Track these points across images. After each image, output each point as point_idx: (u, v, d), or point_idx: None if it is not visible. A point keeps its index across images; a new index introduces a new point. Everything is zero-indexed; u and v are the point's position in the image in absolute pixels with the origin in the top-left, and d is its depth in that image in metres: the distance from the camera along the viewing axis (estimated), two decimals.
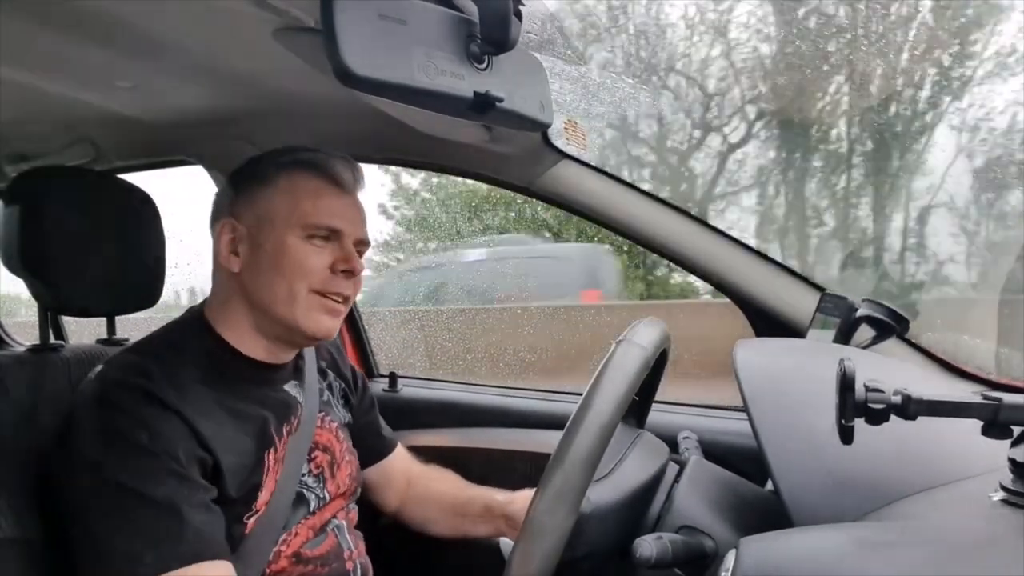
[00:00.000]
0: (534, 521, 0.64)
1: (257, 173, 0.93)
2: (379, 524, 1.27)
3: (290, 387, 0.97)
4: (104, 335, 1.15)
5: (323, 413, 1.01)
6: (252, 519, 0.86)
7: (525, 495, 1.05)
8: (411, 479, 1.20)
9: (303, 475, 0.94)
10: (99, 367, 0.88)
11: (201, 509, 0.78)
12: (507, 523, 1.05)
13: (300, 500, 0.94)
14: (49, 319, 1.05)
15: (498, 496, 1.08)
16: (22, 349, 1.06)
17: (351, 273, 0.91)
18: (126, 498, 0.76)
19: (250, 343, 0.93)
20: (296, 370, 1.00)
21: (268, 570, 0.89)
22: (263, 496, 0.87)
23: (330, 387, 1.08)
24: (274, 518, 0.89)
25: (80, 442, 0.80)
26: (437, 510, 1.15)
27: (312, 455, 0.97)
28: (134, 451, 0.77)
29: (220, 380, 0.89)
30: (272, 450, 0.90)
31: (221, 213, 0.94)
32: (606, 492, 0.85)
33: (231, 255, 0.91)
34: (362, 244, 0.95)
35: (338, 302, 0.92)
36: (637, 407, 1.08)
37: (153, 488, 0.76)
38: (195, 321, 0.94)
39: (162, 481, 0.77)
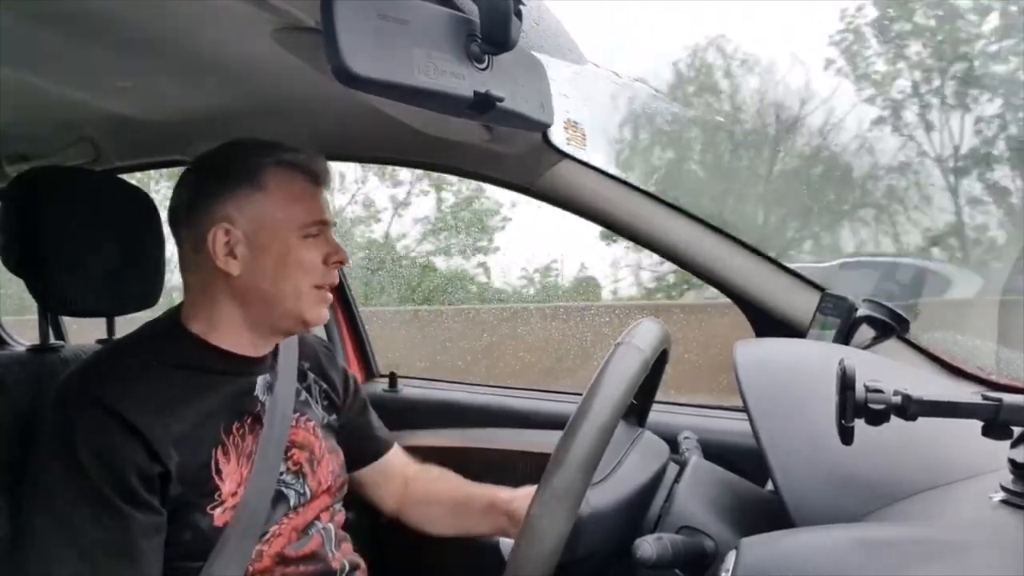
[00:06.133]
0: (532, 525, 0.64)
1: (242, 174, 0.92)
2: (379, 524, 1.27)
3: (260, 383, 0.98)
4: (104, 335, 1.15)
5: (299, 413, 1.02)
6: (219, 510, 0.87)
7: (528, 492, 1.05)
8: (408, 479, 1.19)
9: (281, 473, 0.95)
10: (69, 370, 0.90)
11: (121, 553, 0.80)
12: (510, 521, 1.05)
13: (280, 497, 0.94)
14: (49, 319, 1.06)
15: (501, 493, 1.07)
16: (22, 349, 1.06)
17: (341, 263, 0.97)
18: (54, 524, 0.79)
19: (233, 338, 0.95)
20: (271, 368, 1.00)
21: (252, 569, 0.89)
22: (227, 486, 0.88)
23: (309, 389, 1.08)
24: (252, 515, 0.89)
25: (39, 448, 0.84)
26: (438, 509, 1.15)
27: (289, 453, 0.98)
28: (77, 474, 0.79)
29: (185, 376, 0.90)
30: (223, 444, 0.90)
31: (207, 215, 0.92)
32: (605, 494, 0.85)
33: (228, 258, 0.92)
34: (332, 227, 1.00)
35: (329, 291, 0.98)
36: (638, 406, 1.08)
37: (81, 525, 0.79)
38: (169, 322, 0.96)
39: (92, 518, 0.79)
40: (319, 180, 0.96)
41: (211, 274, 0.93)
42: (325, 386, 1.11)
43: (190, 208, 0.94)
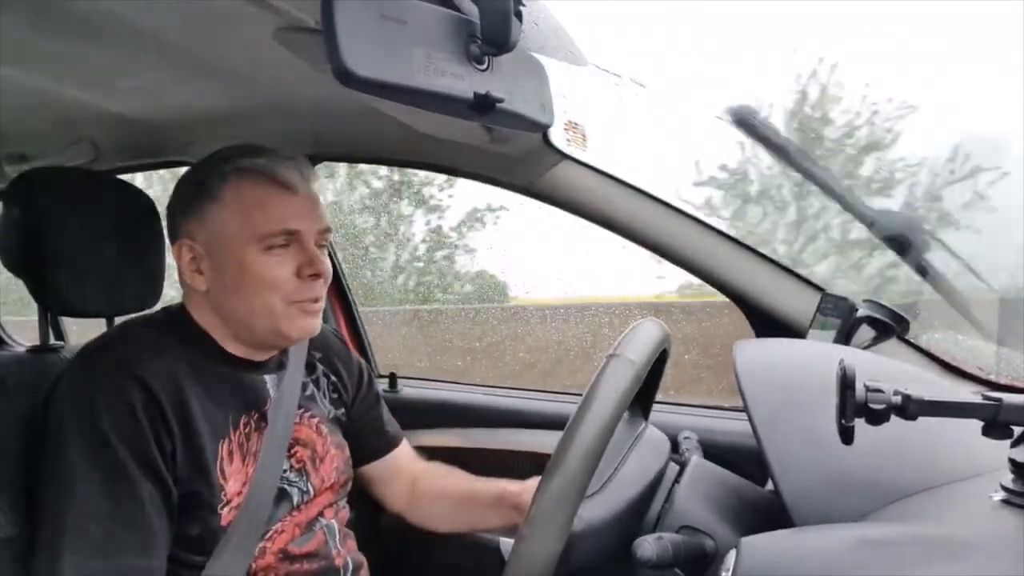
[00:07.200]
0: (524, 548, 0.63)
1: (201, 187, 0.91)
2: (380, 523, 1.27)
3: (269, 380, 0.98)
4: None
5: (303, 409, 1.01)
6: (227, 510, 0.87)
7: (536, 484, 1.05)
8: (416, 476, 1.18)
9: (284, 471, 0.95)
10: (87, 343, 0.90)
11: (133, 525, 0.80)
12: (519, 513, 1.03)
13: (283, 495, 0.94)
14: (49, 319, 1.06)
15: (510, 486, 1.06)
16: (22, 349, 1.06)
17: (317, 276, 0.90)
18: (81, 484, 0.79)
19: (229, 344, 0.95)
20: (280, 365, 1.00)
21: (255, 566, 0.89)
22: (231, 487, 0.88)
23: (316, 382, 1.07)
24: (255, 513, 0.89)
25: (57, 414, 0.83)
26: (446, 504, 1.14)
27: (292, 451, 0.97)
28: (97, 444, 0.80)
29: (197, 364, 0.90)
30: (229, 438, 0.90)
31: (176, 232, 0.93)
32: (605, 503, 0.85)
33: (195, 274, 0.91)
34: (325, 233, 0.94)
35: (313, 303, 0.92)
36: (641, 400, 1.07)
37: (94, 497, 0.79)
38: (179, 312, 0.96)
39: (106, 488, 0.79)
40: (286, 184, 0.89)
41: (190, 288, 0.93)
42: (334, 379, 1.10)
43: (170, 221, 0.95)
